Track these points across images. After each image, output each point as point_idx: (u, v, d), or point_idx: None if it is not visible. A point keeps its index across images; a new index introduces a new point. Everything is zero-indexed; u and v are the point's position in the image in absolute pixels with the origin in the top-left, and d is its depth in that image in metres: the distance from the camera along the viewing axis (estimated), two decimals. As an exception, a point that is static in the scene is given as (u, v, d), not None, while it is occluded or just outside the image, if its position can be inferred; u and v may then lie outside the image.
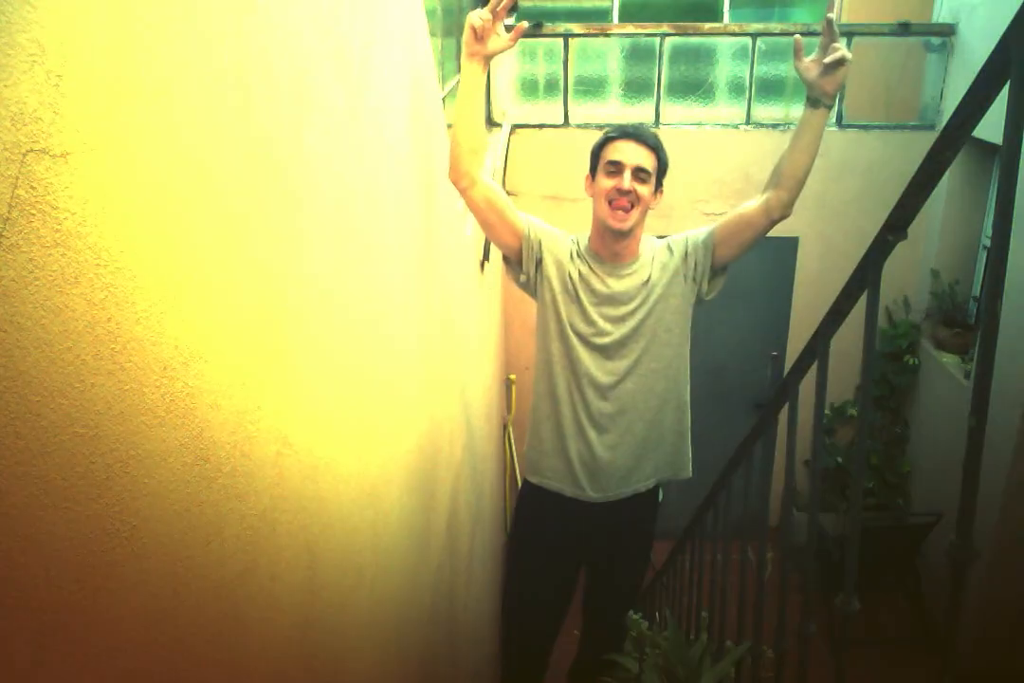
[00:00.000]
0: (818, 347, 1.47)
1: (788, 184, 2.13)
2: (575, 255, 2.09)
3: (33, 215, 0.56)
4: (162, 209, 0.72)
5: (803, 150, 2.06)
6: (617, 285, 2.07)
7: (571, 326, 2.08)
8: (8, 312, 0.54)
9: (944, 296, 4.74)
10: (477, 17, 1.83)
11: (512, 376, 5.31)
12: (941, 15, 4.83)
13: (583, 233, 2.15)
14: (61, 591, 0.60)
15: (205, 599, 0.82)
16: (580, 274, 2.07)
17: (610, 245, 2.06)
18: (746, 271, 5.15)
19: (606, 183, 1.99)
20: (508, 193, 4.31)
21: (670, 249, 2.13)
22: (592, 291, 2.07)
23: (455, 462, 2.56)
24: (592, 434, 2.13)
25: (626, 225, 2.00)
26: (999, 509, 3.79)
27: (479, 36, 1.83)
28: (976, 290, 4.79)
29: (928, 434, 4.88)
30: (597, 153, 2.04)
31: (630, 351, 2.09)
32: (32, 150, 0.55)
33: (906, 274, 4.94)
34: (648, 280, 2.09)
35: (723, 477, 2.40)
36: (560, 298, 2.08)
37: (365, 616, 1.48)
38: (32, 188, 0.56)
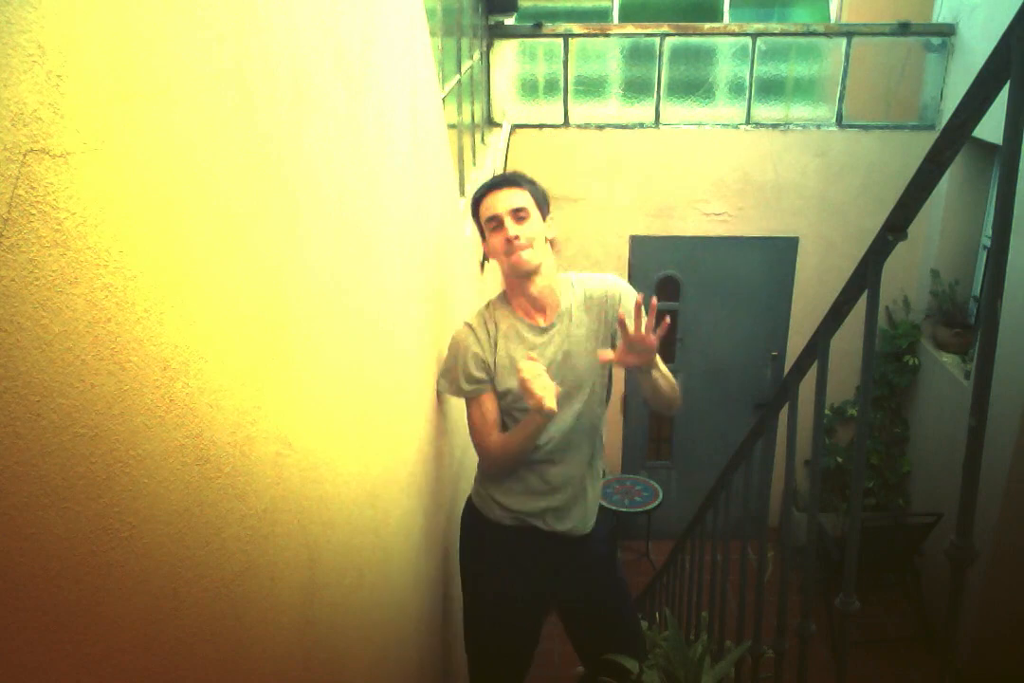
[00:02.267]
0: (818, 347, 1.47)
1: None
2: (496, 338, 2.02)
3: (33, 215, 0.56)
4: (162, 209, 0.72)
5: (652, 396, 1.99)
6: (543, 347, 2.01)
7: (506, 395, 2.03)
8: (8, 312, 0.54)
9: (944, 296, 4.74)
10: (528, 371, 1.78)
11: (512, 376, 5.31)
12: (941, 15, 4.83)
13: (488, 307, 2.07)
14: (61, 591, 0.60)
15: (205, 599, 0.82)
16: (520, 348, 2.01)
17: (528, 292, 1.97)
18: (746, 271, 5.16)
19: (495, 240, 1.93)
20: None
21: (597, 305, 2.03)
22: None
23: (455, 462, 2.56)
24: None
25: (533, 260, 1.92)
26: (999, 509, 3.79)
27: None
28: (976, 290, 4.79)
29: (928, 434, 4.88)
30: (477, 219, 1.99)
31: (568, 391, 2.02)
32: (32, 150, 0.55)
33: (906, 274, 4.94)
34: (570, 334, 2.02)
35: (723, 477, 2.40)
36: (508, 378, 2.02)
37: (365, 616, 1.48)
38: (32, 188, 0.56)
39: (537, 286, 1.96)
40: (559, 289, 2.02)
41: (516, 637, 2.23)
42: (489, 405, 2.02)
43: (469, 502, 2.22)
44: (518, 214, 1.92)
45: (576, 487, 2.10)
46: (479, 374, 2.00)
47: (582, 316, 2.02)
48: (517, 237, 1.89)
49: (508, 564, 2.14)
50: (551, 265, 1.99)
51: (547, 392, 1.78)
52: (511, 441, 1.96)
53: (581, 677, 2.54)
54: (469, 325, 2.05)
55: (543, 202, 1.99)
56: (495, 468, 2.05)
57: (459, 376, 2.01)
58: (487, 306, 2.07)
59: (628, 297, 2.01)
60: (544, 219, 1.97)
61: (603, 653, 2.13)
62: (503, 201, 1.92)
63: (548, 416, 1.83)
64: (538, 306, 2.00)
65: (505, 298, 2.05)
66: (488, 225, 1.94)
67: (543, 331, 2.01)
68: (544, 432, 1.96)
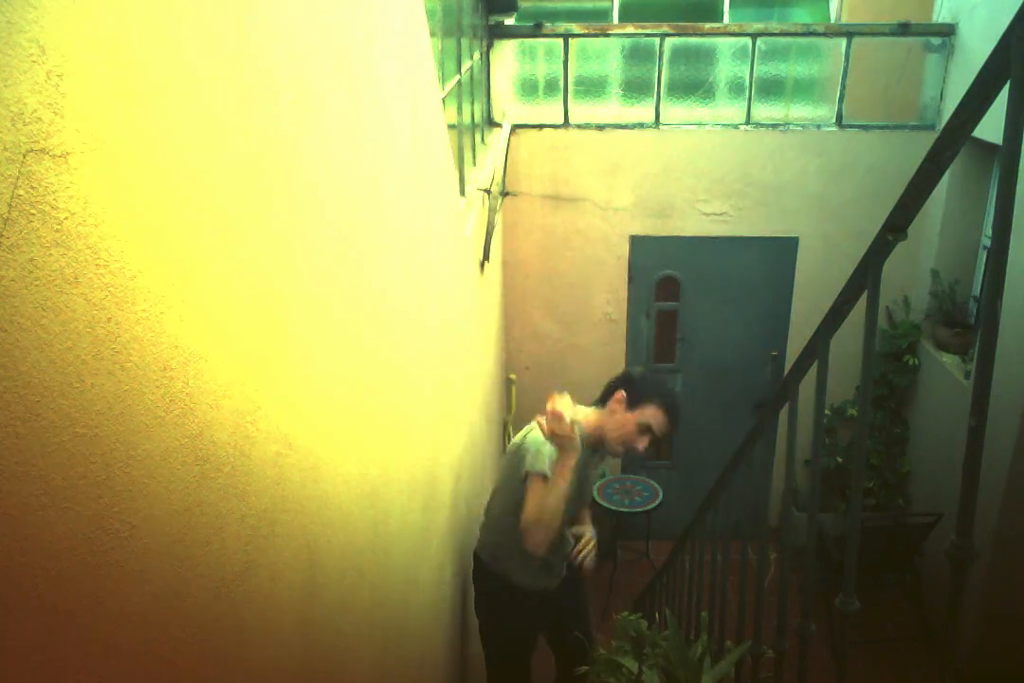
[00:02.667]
0: (818, 347, 1.47)
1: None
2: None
3: (33, 215, 0.56)
4: (162, 209, 0.72)
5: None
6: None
7: None
8: (8, 312, 0.54)
9: (944, 296, 4.74)
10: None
11: (512, 376, 5.32)
12: (941, 15, 4.83)
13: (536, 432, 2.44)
14: (61, 591, 0.60)
15: (205, 599, 0.82)
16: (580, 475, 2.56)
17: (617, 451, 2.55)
18: (746, 271, 5.16)
19: (633, 432, 2.42)
20: (508, 193, 4.31)
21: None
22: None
23: (455, 462, 2.56)
24: None
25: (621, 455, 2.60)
26: (999, 509, 3.79)
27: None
28: (976, 290, 4.79)
29: (928, 434, 4.88)
30: (643, 401, 2.41)
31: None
32: (32, 150, 0.55)
33: (906, 274, 4.94)
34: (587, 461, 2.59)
35: (723, 477, 2.40)
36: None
37: (365, 616, 1.48)
38: (32, 188, 0.56)
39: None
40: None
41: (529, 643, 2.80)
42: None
43: (483, 564, 2.63)
44: (653, 441, 2.45)
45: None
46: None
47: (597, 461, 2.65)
48: (641, 449, 2.44)
49: (520, 610, 2.64)
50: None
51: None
52: (555, 489, 2.25)
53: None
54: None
55: None
56: (545, 532, 2.31)
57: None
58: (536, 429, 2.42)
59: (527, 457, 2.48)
60: None
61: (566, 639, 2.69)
62: (664, 432, 2.43)
63: (574, 447, 2.19)
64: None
65: (586, 428, 2.47)
66: (644, 426, 2.40)
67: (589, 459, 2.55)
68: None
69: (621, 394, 2.41)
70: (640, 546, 5.38)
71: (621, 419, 2.40)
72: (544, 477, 2.29)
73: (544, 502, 2.25)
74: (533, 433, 2.41)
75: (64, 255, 0.59)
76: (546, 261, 5.12)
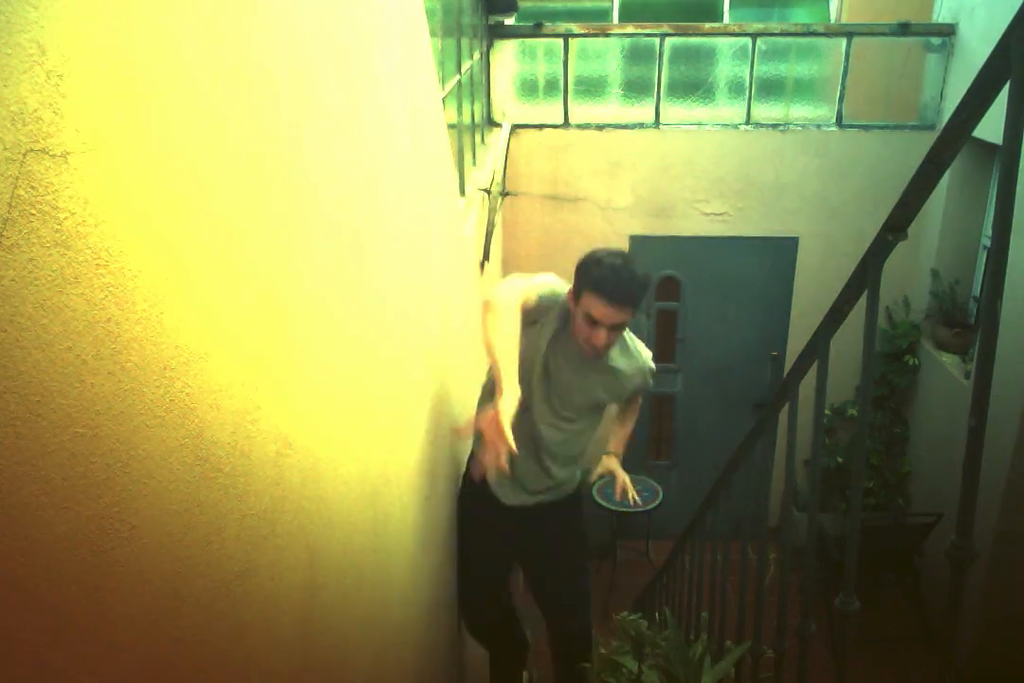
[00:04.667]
0: (818, 347, 1.47)
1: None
2: (557, 324, 2.27)
3: (33, 215, 0.56)
4: (162, 209, 0.72)
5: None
6: (572, 373, 2.32)
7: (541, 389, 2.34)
8: (8, 312, 0.54)
9: (944, 296, 4.74)
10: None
11: (512, 376, 5.31)
12: (941, 15, 4.83)
13: (564, 305, 2.26)
14: (61, 591, 0.60)
15: (205, 599, 0.82)
16: (555, 363, 2.31)
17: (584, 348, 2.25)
18: (746, 271, 5.16)
19: (586, 328, 2.15)
20: (508, 193, 4.31)
21: (628, 370, 2.38)
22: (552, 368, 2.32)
23: (455, 461, 2.56)
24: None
25: (599, 355, 2.25)
26: (999, 509, 3.79)
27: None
28: (976, 290, 4.79)
29: (928, 434, 4.88)
30: (581, 290, 2.13)
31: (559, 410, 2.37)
32: (32, 150, 0.55)
33: (906, 274, 4.94)
34: (599, 381, 2.36)
35: (723, 477, 2.40)
36: (538, 367, 2.30)
37: (365, 616, 1.48)
38: (32, 188, 0.56)
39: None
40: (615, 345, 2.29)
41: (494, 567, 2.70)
42: (517, 315, 2.08)
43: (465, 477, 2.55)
44: (615, 327, 2.15)
45: (558, 479, 2.46)
46: (531, 311, 2.15)
47: (612, 375, 2.36)
48: (602, 343, 2.16)
49: (492, 521, 2.52)
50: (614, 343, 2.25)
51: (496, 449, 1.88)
52: (495, 335, 2.01)
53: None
54: (560, 295, 2.23)
55: (640, 307, 2.23)
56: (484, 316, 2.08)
57: (529, 294, 2.14)
58: (566, 300, 2.23)
59: (639, 394, 2.52)
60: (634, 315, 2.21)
61: (557, 597, 2.63)
62: (612, 316, 2.10)
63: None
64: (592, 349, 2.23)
65: (571, 318, 2.22)
66: (587, 316, 2.12)
67: (585, 366, 2.30)
68: (545, 441, 2.35)
69: (570, 291, 2.18)
70: (640, 546, 5.38)
71: (575, 315, 2.17)
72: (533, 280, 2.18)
73: (486, 316, 2.03)
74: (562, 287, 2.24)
75: (64, 255, 0.59)
76: (546, 261, 5.12)
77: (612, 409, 2.57)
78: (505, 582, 2.80)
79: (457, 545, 2.61)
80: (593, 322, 2.12)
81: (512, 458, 1.94)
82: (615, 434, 2.68)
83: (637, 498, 2.61)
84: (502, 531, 2.53)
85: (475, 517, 2.56)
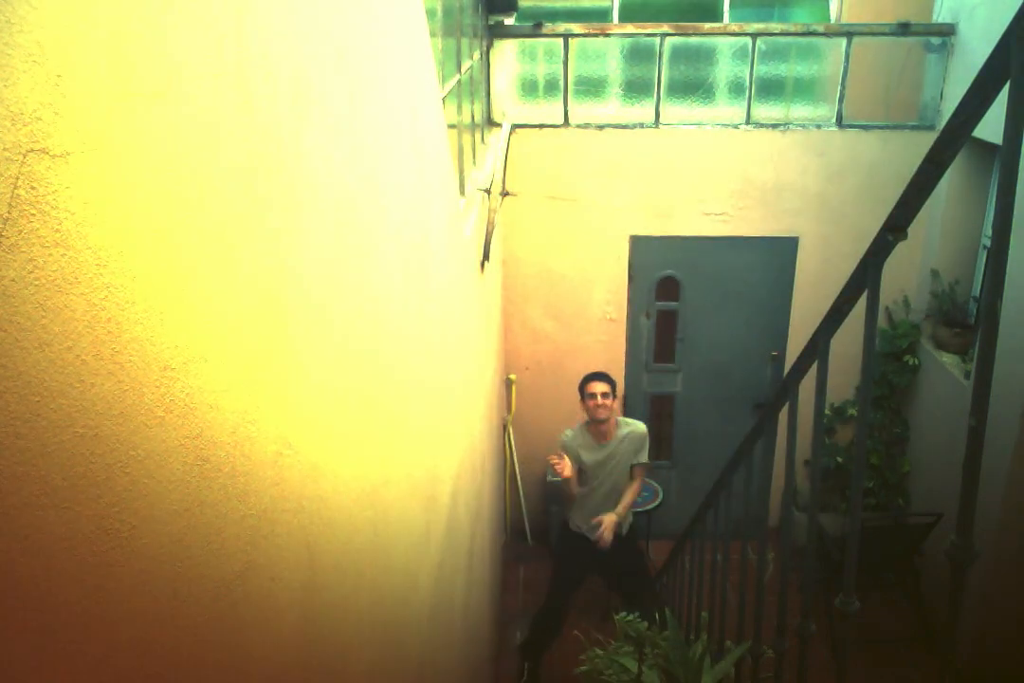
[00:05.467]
0: (818, 347, 1.47)
1: None
2: (576, 445, 4.03)
3: (33, 215, 0.56)
4: (162, 209, 0.72)
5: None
6: (599, 456, 4.05)
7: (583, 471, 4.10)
8: (8, 312, 0.54)
9: (944, 296, 4.74)
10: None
11: (512, 376, 5.32)
12: (941, 15, 4.83)
13: (579, 427, 4.11)
14: (61, 591, 0.60)
15: (205, 599, 0.82)
16: (582, 455, 4.04)
17: (599, 429, 4.00)
18: (746, 271, 5.16)
19: (588, 404, 3.96)
20: (508, 193, 4.31)
21: (633, 441, 4.04)
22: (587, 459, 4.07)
23: (455, 462, 2.56)
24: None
25: (603, 416, 3.93)
26: (999, 509, 3.79)
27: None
28: (976, 290, 4.79)
29: (928, 434, 4.88)
30: (581, 391, 4.02)
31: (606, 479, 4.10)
32: (32, 150, 0.55)
33: (906, 274, 4.94)
34: (614, 452, 4.04)
35: (723, 477, 2.40)
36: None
37: (365, 616, 1.48)
38: (32, 188, 0.56)
39: (604, 425, 3.98)
40: (617, 426, 4.05)
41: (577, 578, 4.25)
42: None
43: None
44: (604, 394, 3.91)
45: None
46: (573, 464, 3.95)
47: (622, 443, 4.02)
48: (601, 405, 3.90)
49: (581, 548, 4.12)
50: (613, 419, 4.02)
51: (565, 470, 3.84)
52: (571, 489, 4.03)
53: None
54: (572, 431, 4.08)
55: (615, 389, 4.00)
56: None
57: (567, 469, 3.86)
58: (579, 425, 4.07)
59: (644, 451, 4.09)
60: (615, 397, 3.99)
61: (632, 588, 4.14)
62: (596, 387, 3.93)
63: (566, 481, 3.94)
64: (602, 434, 4.00)
65: (586, 425, 4.04)
66: (587, 396, 3.94)
67: (603, 447, 4.02)
68: (592, 496, 4.08)
69: (581, 404, 4.05)
70: (640, 546, 5.38)
71: (584, 406, 4.01)
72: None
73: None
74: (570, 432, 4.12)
75: (64, 255, 0.59)
76: (546, 261, 5.12)
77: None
78: (580, 584, 4.28)
79: (556, 565, 4.30)
80: (591, 395, 3.90)
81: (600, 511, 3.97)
82: (620, 501, 4.02)
83: (607, 540, 3.87)
84: (585, 555, 4.06)
85: (568, 547, 4.19)
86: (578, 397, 4.00)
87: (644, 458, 4.04)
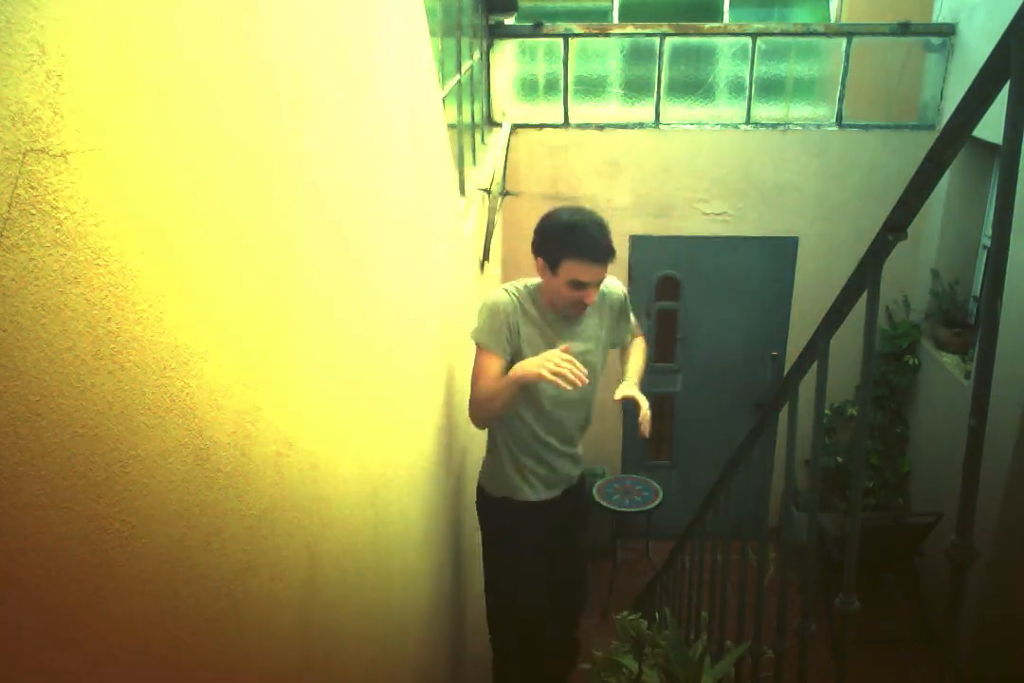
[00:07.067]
0: (818, 347, 1.47)
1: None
2: (524, 317, 2.28)
3: (33, 215, 0.56)
4: (162, 209, 0.72)
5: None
6: (568, 342, 2.27)
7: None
8: (8, 312, 0.54)
9: (944, 296, 4.74)
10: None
11: (512, 376, 5.30)
12: (941, 15, 4.83)
13: (523, 283, 2.33)
14: (61, 591, 0.60)
15: (205, 599, 0.82)
16: (542, 340, 2.30)
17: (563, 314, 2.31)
18: (746, 271, 5.16)
19: (568, 292, 2.18)
20: (508, 193, 4.31)
21: (613, 309, 2.44)
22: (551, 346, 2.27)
23: (455, 462, 2.56)
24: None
25: (578, 315, 2.30)
26: (999, 509, 3.79)
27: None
28: (976, 290, 4.79)
29: (928, 434, 4.88)
30: (558, 260, 2.15)
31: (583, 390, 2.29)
32: (32, 150, 0.55)
33: (906, 274, 4.94)
34: (591, 335, 2.38)
35: (723, 477, 2.40)
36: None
37: (365, 616, 1.48)
38: (32, 188, 0.56)
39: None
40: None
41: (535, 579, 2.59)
42: (497, 363, 2.23)
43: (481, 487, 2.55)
44: (597, 284, 2.20)
45: (569, 458, 2.51)
46: (508, 337, 2.27)
47: (601, 317, 2.40)
48: (593, 300, 2.22)
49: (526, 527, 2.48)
50: None
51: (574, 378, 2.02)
52: (497, 391, 2.18)
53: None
54: (510, 294, 2.28)
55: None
56: (477, 410, 2.29)
57: (502, 333, 2.24)
58: (525, 286, 2.31)
59: (628, 313, 2.50)
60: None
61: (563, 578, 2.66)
62: (598, 273, 2.17)
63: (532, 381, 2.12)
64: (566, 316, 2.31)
65: (540, 291, 2.29)
66: (573, 283, 2.16)
67: (571, 330, 2.32)
68: (548, 408, 2.34)
69: (539, 262, 2.20)
70: (640, 546, 5.38)
71: (554, 285, 2.19)
72: (479, 347, 2.24)
73: (474, 389, 2.22)
74: (496, 295, 2.29)
75: (64, 255, 0.59)
76: (546, 261, 5.11)
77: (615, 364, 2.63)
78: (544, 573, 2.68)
79: (490, 554, 2.59)
80: (580, 285, 2.15)
81: (543, 455, 2.37)
82: (628, 365, 2.58)
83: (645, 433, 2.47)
84: (533, 530, 2.49)
85: (504, 524, 2.51)
86: (535, 259, 2.24)
87: (632, 320, 2.57)
